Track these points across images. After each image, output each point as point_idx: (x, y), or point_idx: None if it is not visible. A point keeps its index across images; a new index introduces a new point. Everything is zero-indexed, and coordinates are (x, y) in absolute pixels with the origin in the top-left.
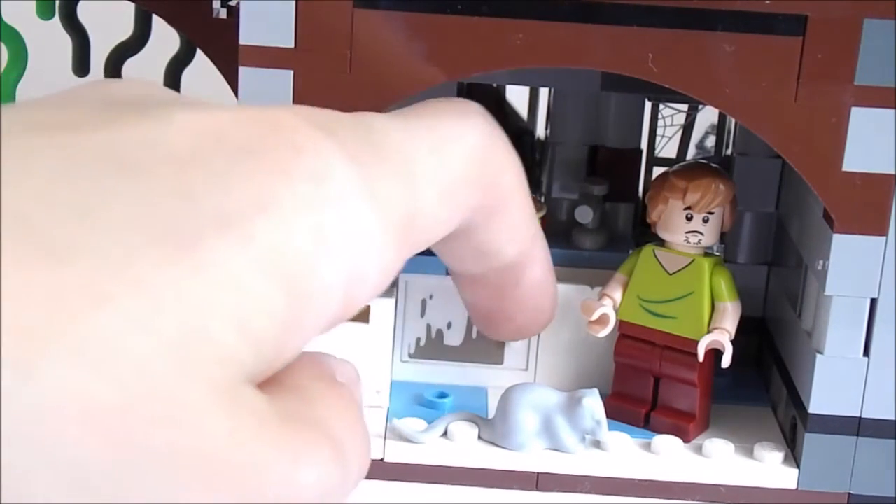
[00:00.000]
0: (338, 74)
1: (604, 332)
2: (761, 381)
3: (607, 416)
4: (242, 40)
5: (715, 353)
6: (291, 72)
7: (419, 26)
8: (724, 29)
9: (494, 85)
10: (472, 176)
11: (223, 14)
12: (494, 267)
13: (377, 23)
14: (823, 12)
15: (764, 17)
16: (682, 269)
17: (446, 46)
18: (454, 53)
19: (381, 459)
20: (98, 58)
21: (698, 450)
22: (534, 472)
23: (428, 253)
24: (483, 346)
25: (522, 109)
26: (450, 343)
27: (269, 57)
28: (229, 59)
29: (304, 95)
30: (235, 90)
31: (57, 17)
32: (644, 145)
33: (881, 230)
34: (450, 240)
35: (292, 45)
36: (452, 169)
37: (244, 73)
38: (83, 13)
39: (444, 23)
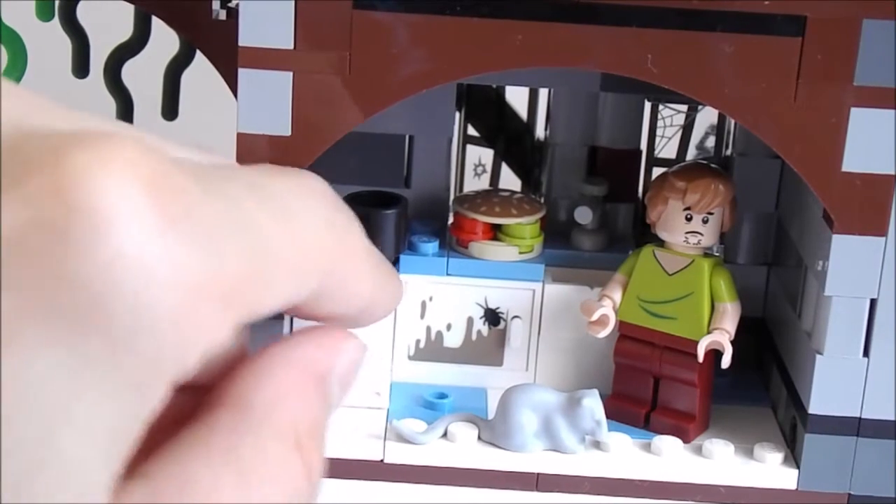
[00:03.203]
0: (338, 75)
1: (604, 333)
2: (761, 382)
3: (607, 417)
4: (242, 41)
5: (715, 354)
6: (291, 73)
7: (419, 27)
8: (724, 29)
9: (494, 85)
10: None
11: (222, 15)
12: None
13: (377, 23)
14: (823, 12)
15: (763, 18)
16: (682, 269)
17: (446, 47)
18: (454, 54)
19: (381, 460)
20: (98, 59)
21: (698, 450)
22: (534, 473)
23: (428, 254)
24: (482, 347)
25: (522, 109)
26: (449, 344)
27: (268, 58)
28: (229, 60)
29: (303, 96)
30: (235, 92)
31: (56, 18)
32: (644, 146)
33: (881, 230)
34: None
35: (292, 46)
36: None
37: (244, 74)
38: (83, 14)
39: (444, 24)
